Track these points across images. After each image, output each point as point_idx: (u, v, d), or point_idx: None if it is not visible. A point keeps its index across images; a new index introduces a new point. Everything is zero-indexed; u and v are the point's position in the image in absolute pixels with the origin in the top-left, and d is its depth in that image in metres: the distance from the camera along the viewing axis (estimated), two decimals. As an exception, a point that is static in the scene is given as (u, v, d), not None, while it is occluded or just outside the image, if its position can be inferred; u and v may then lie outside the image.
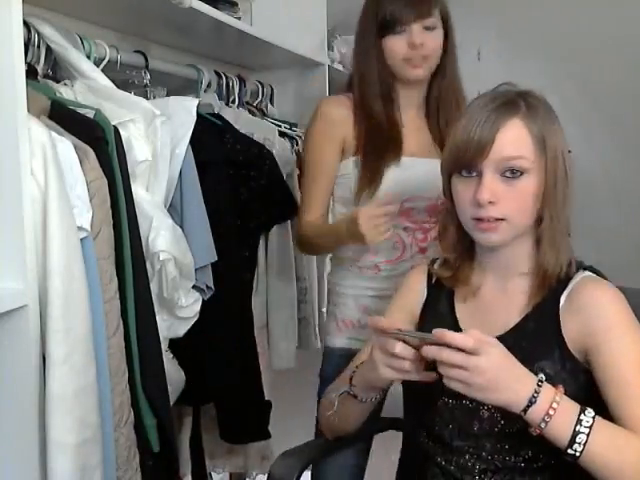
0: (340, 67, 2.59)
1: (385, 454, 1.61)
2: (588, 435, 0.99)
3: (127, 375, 1.22)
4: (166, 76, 1.77)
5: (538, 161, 1.12)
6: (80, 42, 1.41)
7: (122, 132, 1.28)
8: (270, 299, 2.03)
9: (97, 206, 1.16)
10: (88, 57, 1.42)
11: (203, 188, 1.49)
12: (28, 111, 1.08)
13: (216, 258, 1.49)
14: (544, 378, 1.02)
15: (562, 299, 1.15)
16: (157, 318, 1.33)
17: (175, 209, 1.44)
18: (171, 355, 1.47)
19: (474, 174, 1.13)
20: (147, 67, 1.65)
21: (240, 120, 1.93)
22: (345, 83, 1.72)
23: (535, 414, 1.00)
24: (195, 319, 1.46)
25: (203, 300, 1.48)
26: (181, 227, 1.41)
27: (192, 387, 1.53)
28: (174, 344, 1.47)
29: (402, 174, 1.59)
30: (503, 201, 1.11)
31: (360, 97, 1.63)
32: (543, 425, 1.00)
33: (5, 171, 1.05)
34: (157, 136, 1.34)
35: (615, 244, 2.54)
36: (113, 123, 1.26)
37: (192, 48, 2.04)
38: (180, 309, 1.42)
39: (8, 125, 1.05)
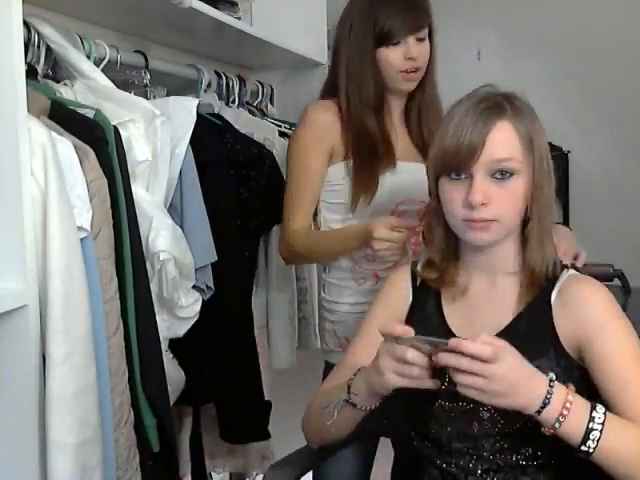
0: (340, 67, 2.59)
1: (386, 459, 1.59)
2: (601, 432, 1.00)
3: (127, 375, 1.22)
4: (166, 76, 1.77)
5: (526, 161, 1.13)
6: (80, 42, 1.41)
7: (122, 132, 1.28)
8: (270, 299, 2.03)
9: (97, 206, 1.16)
10: (88, 57, 1.42)
11: (203, 188, 1.49)
12: (28, 111, 1.08)
13: (216, 258, 1.49)
14: (554, 377, 1.02)
15: (553, 297, 1.16)
16: (157, 318, 1.33)
17: (175, 209, 1.44)
18: (171, 355, 1.47)
19: (464, 176, 1.13)
20: (147, 67, 1.65)
21: (240, 120, 1.93)
22: (327, 87, 1.69)
23: (549, 414, 1.00)
24: (195, 319, 1.46)
25: (203, 300, 1.48)
26: (181, 227, 1.41)
27: (192, 387, 1.53)
28: (174, 344, 1.47)
29: (396, 179, 1.59)
30: (494, 202, 1.11)
31: (352, 105, 1.60)
32: (557, 425, 1.00)
33: (5, 171, 1.05)
34: (157, 136, 1.34)
35: (615, 244, 2.54)
36: (113, 123, 1.26)
37: (192, 48, 2.04)
38: (180, 309, 1.42)
39: (8, 125, 1.05)
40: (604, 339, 1.10)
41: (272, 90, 2.36)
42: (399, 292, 1.29)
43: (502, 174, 1.12)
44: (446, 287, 1.24)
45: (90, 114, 1.26)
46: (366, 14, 1.58)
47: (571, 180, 2.90)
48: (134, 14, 1.66)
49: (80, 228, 1.12)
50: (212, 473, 2.01)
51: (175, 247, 1.36)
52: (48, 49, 1.35)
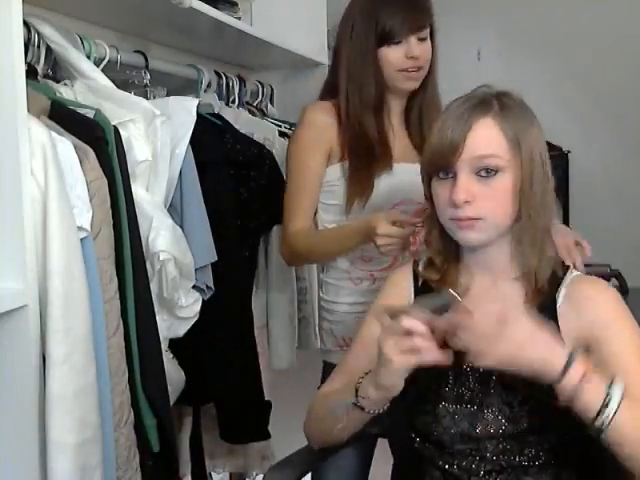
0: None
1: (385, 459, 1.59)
2: (618, 405, 0.97)
3: (127, 375, 1.22)
4: (166, 76, 1.77)
5: (513, 160, 1.12)
6: (80, 42, 1.41)
7: (122, 132, 1.28)
8: (270, 299, 2.03)
9: (97, 206, 1.16)
10: (88, 57, 1.42)
11: (203, 188, 1.49)
12: (28, 111, 1.08)
13: (216, 258, 1.49)
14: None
15: (559, 300, 1.15)
16: (157, 318, 1.33)
17: (175, 209, 1.44)
18: (171, 355, 1.47)
19: (450, 175, 1.13)
20: (147, 67, 1.65)
21: (240, 120, 1.93)
22: (326, 87, 1.68)
23: (570, 379, 0.97)
24: (195, 319, 1.46)
25: (203, 300, 1.48)
26: (181, 227, 1.41)
27: (192, 387, 1.53)
28: (174, 344, 1.47)
29: (392, 180, 1.59)
30: (479, 200, 1.11)
31: (351, 105, 1.60)
32: (578, 392, 0.97)
33: (5, 171, 1.05)
34: (157, 136, 1.34)
35: (615, 244, 2.54)
36: (113, 123, 1.26)
37: (192, 48, 2.04)
38: (180, 309, 1.42)
39: (8, 125, 1.05)
40: (610, 339, 1.09)
41: (272, 90, 2.36)
42: (400, 292, 1.29)
43: (487, 172, 1.11)
44: (448, 288, 1.24)
45: (90, 114, 1.26)
46: (368, 14, 1.58)
47: (571, 180, 2.90)
48: (134, 14, 1.65)
49: (80, 228, 1.12)
50: (212, 473, 2.01)
51: (175, 247, 1.36)
52: (48, 49, 1.35)
